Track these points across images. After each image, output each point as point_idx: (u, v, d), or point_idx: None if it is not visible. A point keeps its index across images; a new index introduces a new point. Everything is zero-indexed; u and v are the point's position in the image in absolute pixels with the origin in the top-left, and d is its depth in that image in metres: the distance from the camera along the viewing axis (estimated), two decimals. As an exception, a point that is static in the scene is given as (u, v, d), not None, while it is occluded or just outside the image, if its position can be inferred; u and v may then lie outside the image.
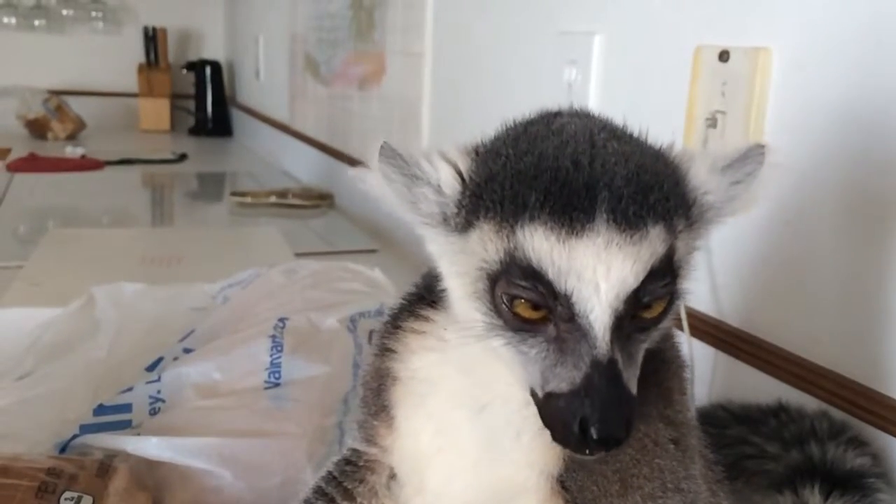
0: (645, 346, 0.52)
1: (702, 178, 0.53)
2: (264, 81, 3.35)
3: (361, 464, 0.65)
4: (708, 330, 1.03)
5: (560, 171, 0.49)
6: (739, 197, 0.53)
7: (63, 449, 0.90)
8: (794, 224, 0.93)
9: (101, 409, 0.95)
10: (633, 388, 0.49)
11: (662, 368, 0.59)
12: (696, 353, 1.02)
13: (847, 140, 0.86)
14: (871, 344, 0.85)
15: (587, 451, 0.49)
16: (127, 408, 0.96)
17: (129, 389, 0.98)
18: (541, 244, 0.47)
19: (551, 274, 0.47)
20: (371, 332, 1.08)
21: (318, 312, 1.09)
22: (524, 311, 0.49)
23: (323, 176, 2.58)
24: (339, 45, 2.40)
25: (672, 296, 0.51)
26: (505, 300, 0.50)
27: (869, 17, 0.83)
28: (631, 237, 0.47)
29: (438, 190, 0.52)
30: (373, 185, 0.53)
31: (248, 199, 2.40)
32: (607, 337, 0.47)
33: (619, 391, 0.47)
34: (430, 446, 0.61)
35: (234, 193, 2.45)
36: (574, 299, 0.47)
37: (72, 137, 3.54)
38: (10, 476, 0.76)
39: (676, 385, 0.61)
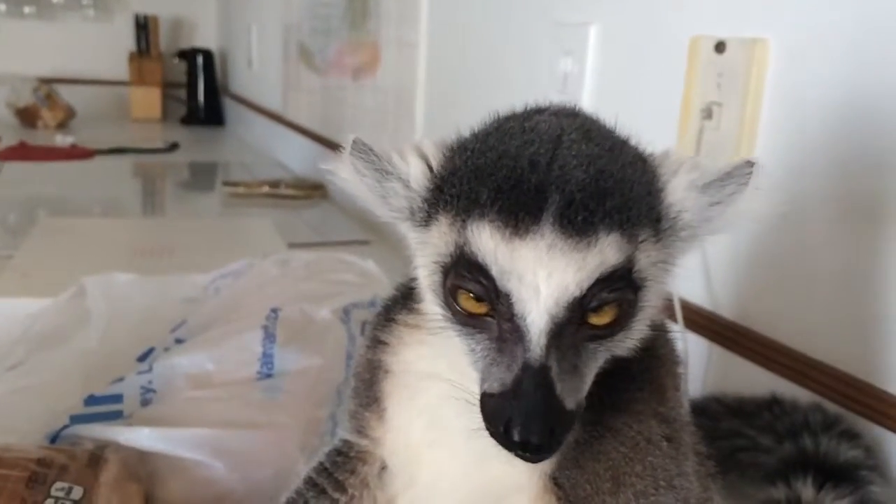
0: (602, 356, 0.51)
1: (679, 194, 0.51)
2: (257, 71, 3.33)
3: (353, 455, 0.65)
4: (702, 322, 1.03)
5: (515, 170, 0.48)
6: (718, 218, 0.51)
7: (54, 439, 0.89)
8: (789, 216, 0.93)
9: (92, 400, 0.94)
10: (572, 400, 0.48)
11: (655, 365, 0.59)
12: (690, 346, 1.02)
13: (843, 132, 0.86)
14: (864, 337, 0.85)
15: (515, 453, 0.48)
16: (118, 398, 0.95)
17: (121, 380, 0.97)
18: (487, 242, 0.47)
19: (494, 272, 0.47)
20: (364, 324, 1.08)
21: (311, 303, 1.09)
22: (468, 304, 0.49)
23: (316, 166, 2.57)
24: (333, 35, 2.39)
25: (628, 306, 0.49)
26: (452, 292, 0.50)
27: (866, 8, 0.83)
28: (577, 243, 0.46)
29: (407, 184, 0.52)
30: (345, 178, 0.53)
31: (241, 190, 2.39)
32: (542, 342, 0.47)
33: (546, 399, 0.46)
34: (421, 440, 0.61)
35: (226, 184, 2.44)
36: (513, 300, 0.47)
37: (62, 126, 3.52)
38: (1, 466, 0.75)
39: (670, 382, 0.60)
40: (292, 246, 1.73)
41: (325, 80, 2.50)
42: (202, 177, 2.98)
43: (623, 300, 0.48)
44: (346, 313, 1.09)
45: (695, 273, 1.04)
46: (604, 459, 0.55)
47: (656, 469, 0.56)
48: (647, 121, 1.12)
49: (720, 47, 0.97)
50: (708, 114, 0.98)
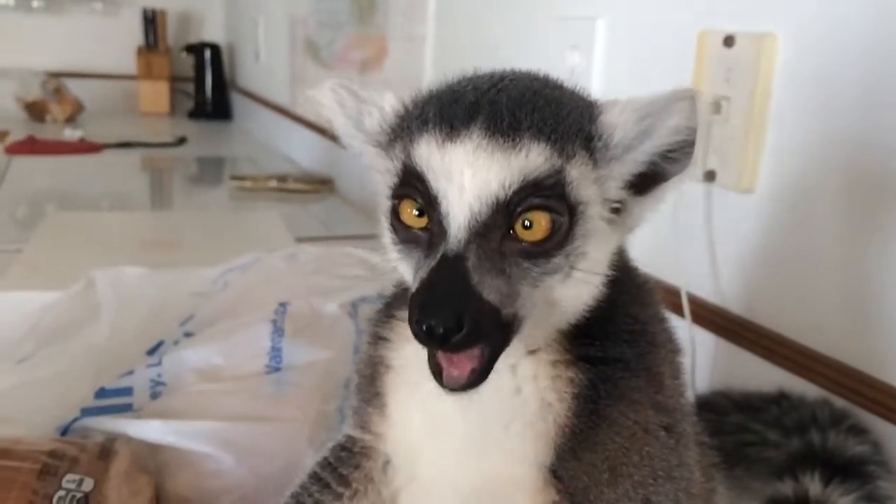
0: (538, 279, 0.51)
1: (614, 117, 0.52)
2: (265, 65, 3.33)
3: (356, 450, 0.66)
4: (709, 317, 1.03)
5: (457, 93, 0.53)
6: (652, 133, 0.51)
7: (64, 432, 0.90)
8: (797, 211, 0.93)
9: (102, 393, 0.95)
10: (495, 296, 0.48)
11: (651, 352, 0.59)
12: (697, 340, 1.02)
13: (852, 127, 0.86)
14: (873, 332, 0.85)
15: (428, 346, 0.49)
16: (128, 391, 0.96)
17: (130, 373, 0.98)
18: (424, 150, 0.51)
19: (429, 175, 0.51)
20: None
21: (319, 297, 1.09)
22: (408, 217, 0.53)
23: (323, 161, 2.57)
24: (340, 29, 2.39)
25: (560, 224, 0.50)
26: (396, 209, 0.53)
27: (875, 2, 0.83)
28: (502, 145, 0.49)
29: (381, 110, 0.57)
30: (327, 104, 0.58)
31: (248, 184, 2.39)
32: (461, 236, 0.49)
33: (455, 284, 0.48)
34: (421, 435, 0.61)
35: (234, 178, 2.44)
36: (441, 199, 0.50)
37: (70, 120, 3.52)
38: (12, 458, 0.76)
39: (668, 370, 0.60)
40: (300, 240, 1.73)
41: (332, 73, 2.50)
42: (210, 171, 2.98)
43: (552, 210, 0.50)
44: (353, 307, 1.10)
45: (702, 267, 1.04)
46: (600, 450, 0.56)
47: (654, 459, 0.56)
48: (656, 115, 1.11)
49: (729, 41, 0.97)
50: (716, 108, 0.98)
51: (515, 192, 0.49)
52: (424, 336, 0.47)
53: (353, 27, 2.29)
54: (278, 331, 1.01)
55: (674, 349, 0.62)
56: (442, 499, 0.61)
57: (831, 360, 0.88)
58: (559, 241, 0.51)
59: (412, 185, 0.52)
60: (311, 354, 0.99)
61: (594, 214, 0.52)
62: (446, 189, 0.50)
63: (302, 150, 2.82)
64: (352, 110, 0.58)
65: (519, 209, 0.49)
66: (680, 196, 1.03)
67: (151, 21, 3.92)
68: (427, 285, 0.49)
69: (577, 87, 0.58)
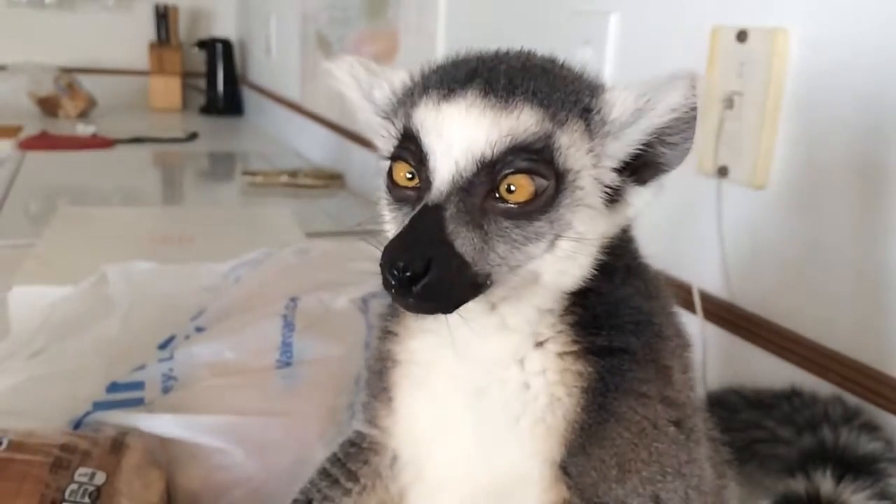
0: (518, 239, 0.51)
1: (613, 94, 0.53)
2: (276, 60, 3.34)
3: (365, 446, 0.66)
4: (721, 313, 1.02)
5: (461, 61, 0.56)
6: (650, 111, 0.51)
7: (77, 426, 0.90)
8: (809, 207, 0.92)
9: (114, 387, 0.96)
10: (468, 249, 0.49)
11: (659, 344, 0.58)
12: (709, 337, 1.02)
13: (866, 123, 0.85)
14: (885, 328, 0.84)
15: (395, 297, 0.49)
16: (140, 385, 0.96)
17: (142, 367, 0.98)
18: (422, 111, 0.53)
19: (422, 134, 0.52)
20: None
21: (330, 293, 1.09)
22: (401, 177, 0.54)
23: (334, 156, 2.57)
24: (352, 24, 2.39)
25: (545, 187, 0.50)
26: (391, 170, 0.54)
27: (891, -3, 0.82)
28: (493, 105, 0.50)
29: (391, 83, 0.59)
30: (340, 76, 0.60)
31: (260, 179, 2.39)
32: (443, 188, 0.50)
33: (430, 230, 0.48)
34: (429, 430, 0.61)
35: (245, 173, 2.45)
36: (429, 154, 0.51)
37: (83, 115, 3.54)
38: (25, 452, 0.77)
39: (677, 364, 0.60)
40: (311, 235, 1.74)
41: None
42: (221, 166, 2.99)
43: (537, 174, 0.50)
44: (364, 302, 1.10)
45: (713, 264, 1.04)
46: (609, 446, 0.55)
47: (663, 455, 0.56)
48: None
49: (742, 36, 0.96)
50: (729, 103, 0.98)
51: (502, 153, 0.50)
52: (390, 280, 0.47)
53: (365, 22, 2.28)
54: (289, 326, 1.01)
55: (683, 343, 0.62)
56: (450, 495, 0.61)
57: (843, 356, 0.88)
58: (543, 205, 0.51)
59: (406, 147, 0.53)
60: (322, 349, 0.99)
61: (584, 186, 0.52)
62: (436, 145, 0.51)
63: (313, 146, 2.82)
64: (364, 83, 0.60)
65: (504, 170, 0.50)
66: (692, 191, 1.02)
67: (163, 17, 3.93)
68: (402, 232, 0.49)
69: (587, 71, 0.58)
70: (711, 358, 1.03)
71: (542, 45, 1.39)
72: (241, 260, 1.30)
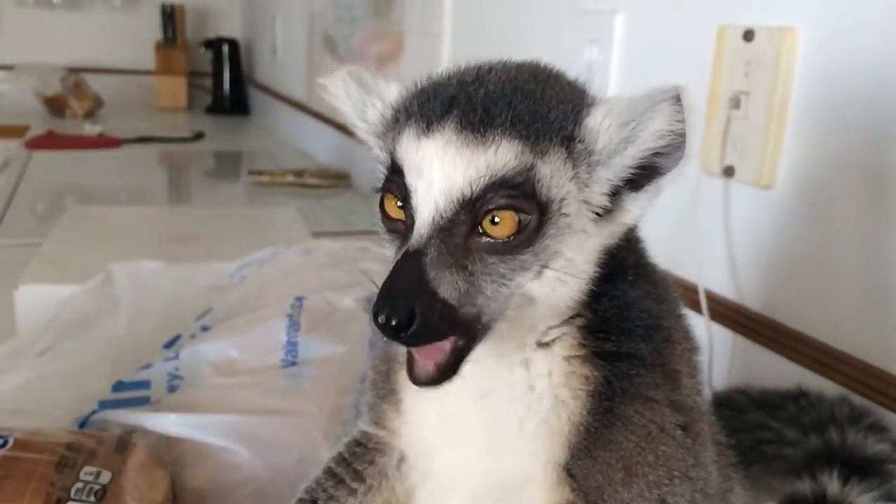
0: (506, 275, 0.50)
1: (597, 118, 0.51)
2: (282, 60, 3.34)
3: (371, 446, 0.66)
4: (728, 314, 1.02)
5: (440, 86, 0.54)
6: (636, 139, 0.50)
7: (82, 424, 0.91)
8: (817, 207, 0.92)
9: (119, 386, 0.96)
10: (451, 293, 0.48)
11: (668, 348, 0.58)
12: (715, 337, 1.02)
13: (874, 122, 0.85)
14: (893, 329, 0.84)
15: (389, 339, 0.49)
16: (145, 384, 0.96)
17: (148, 366, 0.98)
18: (405, 144, 0.52)
19: (406, 168, 0.51)
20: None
21: (335, 292, 1.09)
22: (391, 207, 0.53)
23: (340, 156, 2.57)
24: (358, 24, 2.39)
25: (528, 221, 0.49)
26: (381, 201, 0.54)
27: (899, -4, 0.82)
28: (470, 142, 0.49)
29: (384, 99, 0.58)
30: (335, 92, 0.59)
31: (265, 179, 2.40)
32: (423, 231, 0.49)
33: (410, 279, 0.48)
34: (435, 431, 0.61)
35: (251, 172, 2.45)
36: (411, 192, 0.50)
37: (90, 115, 3.55)
38: (31, 450, 0.77)
39: (685, 368, 0.59)
40: (316, 235, 1.74)
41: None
42: (227, 166, 2.99)
43: (519, 210, 0.49)
44: (369, 302, 1.10)
45: (720, 264, 1.03)
46: (615, 449, 0.55)
47: (669, 459, 0.56)
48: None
49: (748, 36, 0.96)
50: (736, 103, 0.97)
51: (482, 189, 0.49)
52: (381, 329, 0.48)
53: (371, 22, 2.28)
54: (294, 325, 1.01)
55: (691, 346, 0.62)
56: (457, 496, 0.61)
57: (850, 357, 0.88)
58: (527, 238, 0.50)
59: (394, 179, 0.52)
60: (327, 349, 0.99)
61: (571, 212, 0.51)
62: (417, 184, 0.50)
63: (319, 145, 2.82)
64: (357, 101, 0.58)
65: (484, 208, 0.49)
66: (698, 191, 1.02)
67: (170, 16, 3.94)
68: (387, 279, 0.49)
69: (574, 82, 0.57)
70: (717, 358, 1.02)
71: (548, 44, 1.39)
72: (246, 259, 1.31)
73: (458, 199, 0.49)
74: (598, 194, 0.52)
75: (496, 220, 0.49)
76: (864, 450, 0.82)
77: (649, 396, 0.56)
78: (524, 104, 0.51)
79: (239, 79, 3.97)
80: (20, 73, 3.63)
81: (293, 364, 0.98)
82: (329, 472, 0.66)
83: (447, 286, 0.48)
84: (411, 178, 0.50)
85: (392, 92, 0.58)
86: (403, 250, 0.49)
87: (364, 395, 0.69)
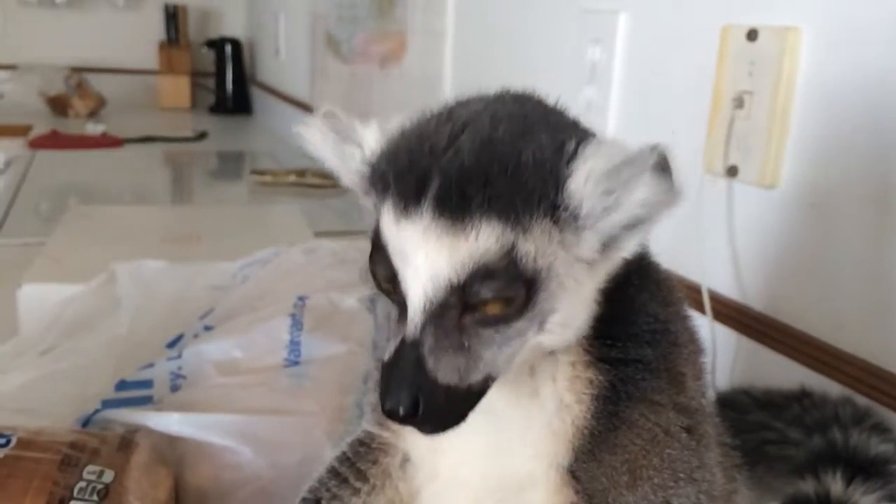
0: (506, 341, 0.50)
1: (579, 181, 0.48)
2: (285, 60, 3.34)
3: (374, 446, 0.65)
4: (731, 314, 1.02)
5: (413, 153, 0.50)
6: (622, 206, 0.48)
7: (85, 423, 0.91)
8: (820, 207, 0.92)
9: (122, 385, 0.96)
10: (453, 376, 0.48)
11: (674, 352, 0.58)
12: (718, 338, 1.02)
13: (877, 122, 0.85)
14: (897, 330, 0.84)
15: (393, 420, 0.49)
16: (148, 384, 0.96)
17: (151, 366, 0.98)
18: (385, 221, 0.50)
19: (390, 251, 0.50)
20: (389, 313, 1.08)
21: (338, 292, 1.09)
22: (381, 278, 0.52)
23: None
24: (360, 24, 2.39)
25: (516, 298, 0.48)
26: (371, 266, 0.53)
27: (903, -5, 0.82)
28: (449, 227, 0.47)
29: (363, 147, 0.55)
30: (312, 141, 0.56)
31: (268, 178, 2.40)
32: (416, 320, 0.48)
33: (411, 372, 0.48)
34: None
35: (253, 172, 2.45)
36: (400, 278, 0.49)
37: (92, 115, 3.55)
38: (34, 449, 0.77)
39: (690, 370, 0.59)
40: (319, 234, 1.74)
41: (352, 68, 2.50)
42: (230, 165, 2.99)
43: (504, 298, 0.48)
44: (372, 302, 1.10)
45: (723, 264, 1.03)
46: (620, 452, 0.55)
47: (675, 461, 0.56)
48: (678, 110, 1.11)
49: (752, 35, 0.96)
50: (739, 103, 0.97)
51: (467, 277, 0.47)
52: (390, 417, 0.49)
53: (373, 22, 2.28)
54: (297, 324, 1.01)
55: (696, 349, 0.61)
56: (462, 495, 0.61)
57: (854, 357, 0.87)
58: (519, 308, 0.49)
59: (380, 256, 0.51)
60: (330, 348, 0.99)
61: (561, 272, 0.50)
62: (404, 269, 0.49)
63: (321, 145, 2.82)
64: (336, 150, 0.56)
65: (471, 301, 0.48)
66: (701, 191, 1.02)
67: (173, 16, 3.95)
68: (388, 369, 0.49)
69: (558, 123, 0.54)
70: (721, 358, 1.02)
71: (550, 44, 1.39)
72: (249, 259, 1.31)
73: (446, 286, 0.48)
74: (588, 250, 0.51)
75: (486, 303, 0.49)
76: (868, 450, 0.81)
77: (654, 400, 0.56)
78: (502, 178, 0.48)
79: (242, 79, 3.97)
80: (23, 73, 3.64)
81: (296, 363, 0.98)
82: (332, 472, 0.66)
83: (446, 370, 0.48)
84: (397, 260, 0.49)
85: (370, 139, 0.55)
86: (400, 339, 0.49)
87: (367, 395, 0.69)
